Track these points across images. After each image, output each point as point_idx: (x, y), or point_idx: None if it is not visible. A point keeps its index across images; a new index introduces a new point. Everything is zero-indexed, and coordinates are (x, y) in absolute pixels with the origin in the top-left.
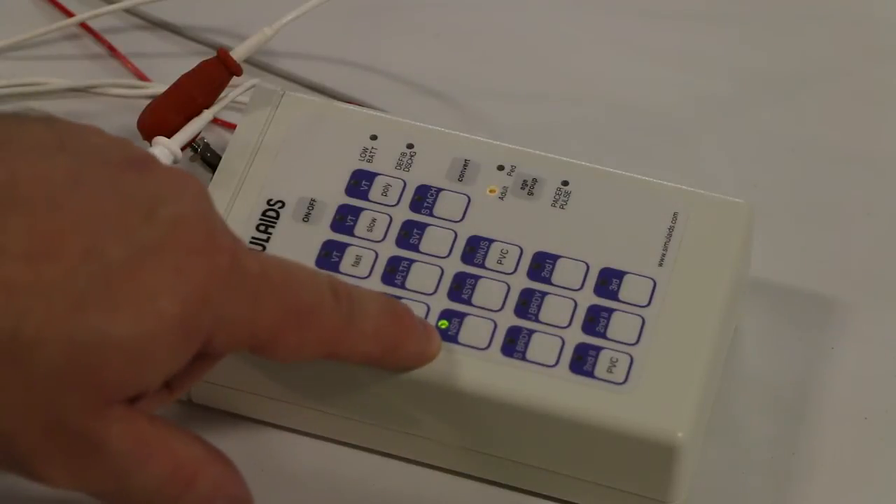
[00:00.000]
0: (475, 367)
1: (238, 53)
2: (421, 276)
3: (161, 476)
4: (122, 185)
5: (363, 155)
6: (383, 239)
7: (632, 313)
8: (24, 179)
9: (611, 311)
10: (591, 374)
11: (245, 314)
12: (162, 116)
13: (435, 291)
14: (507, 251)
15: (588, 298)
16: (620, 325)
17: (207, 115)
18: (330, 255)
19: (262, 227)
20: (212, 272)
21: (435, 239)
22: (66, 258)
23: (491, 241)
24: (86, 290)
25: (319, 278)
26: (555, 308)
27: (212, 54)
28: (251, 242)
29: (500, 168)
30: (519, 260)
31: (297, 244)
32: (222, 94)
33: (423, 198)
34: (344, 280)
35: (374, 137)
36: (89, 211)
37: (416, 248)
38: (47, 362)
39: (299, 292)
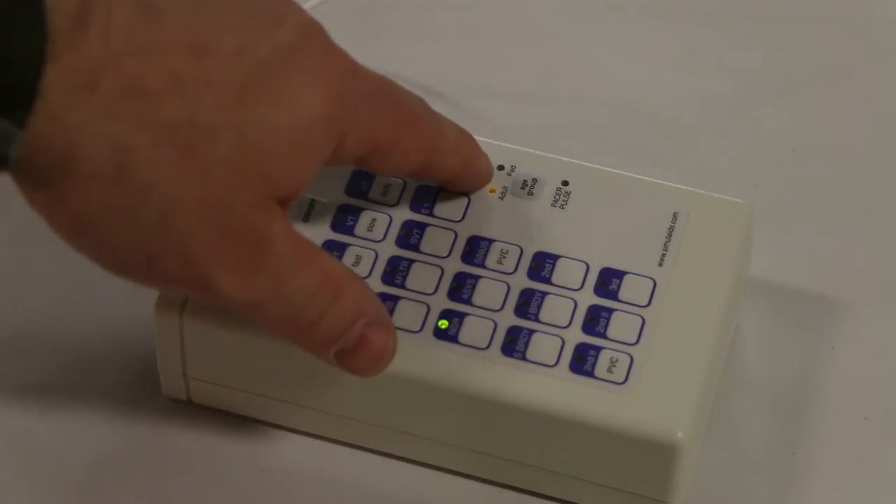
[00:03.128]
0: (475, 367)
1: None
2: (421, 276)
3: (313, 284)
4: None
5: None
6: (383, 239)
7: (632, 313)
8: None
9: (611, 311)
10: (591, 374)
11: (370, 116)
12: None
13: (435, 291)
14: (507, 251)
15: (588, 298)
16: (620, 325)
17: None
18: None
19: None
20: (340, 75)
21: (435, 239)
22: (223, 54)
23: (491, 241)
24: (246, 84)
25: (412, 93)
26: (555, 308)
27: None
28: None
29: (500, 168)
30: (519, 260)
31: None
32: None
33: (423, 198)
34: None
35: None
36: (228, 16)
37: (416, 248)
38: (224, 150)
39: (405, 100)
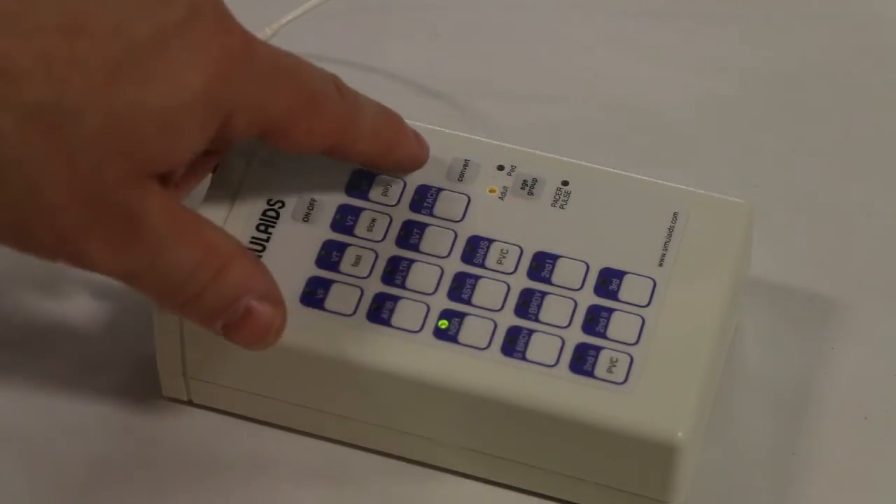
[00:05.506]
0: (475, 367)
1: None
2: (421, 276)
3: (193, 259)
4: None
5: None
6: (383, 239)
7: (632, 313)
8: None
9: (611, 310)
10: (591, 374)
11: (261, 96)
12: None
13: (435, 291)
14: (507, 251)
15: (588, 298)
16: (620, 325)
17: None
18: (330, 255)
19: (261, 227)
20: (228, 53)
21: (435, 239)
22: (98, 34)
23: (491, 241)
24: (119, 64)
25: (325, 72)
26: (555, 308)
27: None
28: (251, 242)
29: (500, 168)
30: (519, 260)
31: (297, 244)
32: None
33: (423, 198)
34: (344, 278)
35: None
36: None
37: (416, 248)
38: (89, 130)
39: (309, 80)
